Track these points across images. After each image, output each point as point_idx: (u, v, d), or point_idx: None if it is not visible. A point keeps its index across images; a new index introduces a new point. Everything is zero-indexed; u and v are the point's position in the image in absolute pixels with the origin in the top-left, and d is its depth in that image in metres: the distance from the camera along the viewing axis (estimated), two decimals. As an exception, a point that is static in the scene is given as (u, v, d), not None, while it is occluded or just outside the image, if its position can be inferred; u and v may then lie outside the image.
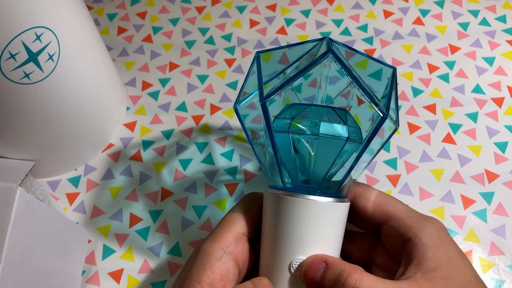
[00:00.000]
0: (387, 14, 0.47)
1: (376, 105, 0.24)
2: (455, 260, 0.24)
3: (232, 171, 0.38)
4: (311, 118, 0.27)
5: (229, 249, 0.25)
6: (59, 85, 0.32)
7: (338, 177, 0.27)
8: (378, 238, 0.28)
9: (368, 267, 0.29)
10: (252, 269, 0.28)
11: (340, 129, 0.26)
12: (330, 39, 0.27)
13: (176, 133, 0.41)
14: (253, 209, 0.27)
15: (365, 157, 0.26)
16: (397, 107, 0.26)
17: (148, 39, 0.47)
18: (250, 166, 0.38)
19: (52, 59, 0.30)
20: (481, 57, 0.43)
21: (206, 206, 0.37)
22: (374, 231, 0.28)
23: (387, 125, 0.25)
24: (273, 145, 0.25)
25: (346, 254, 0.29)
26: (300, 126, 0.26)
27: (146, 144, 0.40)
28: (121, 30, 0.48)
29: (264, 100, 0.24)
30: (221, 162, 0.39)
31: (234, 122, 0.41)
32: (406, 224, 0.25)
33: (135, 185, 0.38)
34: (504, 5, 0.46)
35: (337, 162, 0.27)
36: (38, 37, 0.29)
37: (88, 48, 0.34)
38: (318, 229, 0.25)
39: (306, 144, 0.27)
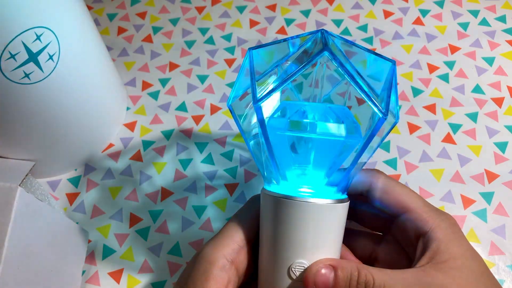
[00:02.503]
0: (387, 14, 0.47)
1: (375, 105, 0.23)
2: (469, 252, 0.24)
3: (232, 171, 0.38)
4: (308, 117, 0.26)
5: (231, 257, 0.25)
6: (59, 85, 0.32)
7: (336, 176, 0.27)
8: (385, 233, 0.28)
9: (372, 264, 0.29)
10: (251, 276, 0.28)
11: (338, 128, 0.25)
12: (325, 31, 0.25)
13: (176, 133, 0.41)
14: (257, 213, 0.27)
15: (364, 155, 0.26)
16: (397, 100, 0.26)
17: (148, 39, 0.47)
18: (250, 166, 0.38)
19: (52, 59, 0.30)
20: (481, 57, 0.43)
21: (206, 206, 0.37)
22: (380, 226, 0.28)
23: (388, 120, 0.25)
24: (268, 147, 0.24)
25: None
26: (298, 125, 0.26)
27: (146, 144, 0.40)
28: (121, 30, 0.48)
29: (257, 103, 0.23)
30: (221, 162, 0.39)
31: (234, 122, 0.41)
32: (423, 218, 0.25)
33: (135, 185, 0.38)
34: (504, 5, 0.46)
35: (335, 161, 0.26)
36: (38, 37, 0.29)
37: (88, 48, 0.34)
38: (317, 231, 0.25)
39: (303, 144, 0.26)
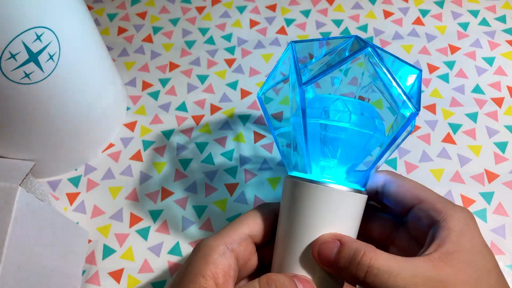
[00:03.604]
0: (387, 14, 0.47)
1: (410, 100, 0.24)
2: (478, 247, 0.24)
3: (232, 171, 0.38)
4: (341, 110, 0.27)
5: (232, 246, 0.26)
6: (59, 85, 0.32)
7: (358, 171, 0.27)
8: (402, 222, 0.29)
9: (386, 247, 0.29)
10: (255, 274, 0.28)
11: (368, 123, 0.27)
12: (359, 37, 0.27)
13: (176, 133, 0.41)
14: (264, 214, 0.28)
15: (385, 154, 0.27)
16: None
17: (148, 39, 0.47)
18: (250, 166, 0.39)
19: (52, 59, 0.30)
20: (481, 57, 0.43)
21: (206, 206, 0.37)
22: (398, 216, 0.29)
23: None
24: (305, 133, 0.25)
25: (366, 231, 0.29)
26: (330, 116, 0.27)
27: (146, 144, 0.40)
28: (121, 30, 0.48)
29: (301, 87, 0.24)
30: (221, 162, 0.39)
31: (234, 122, 0.41)
32: (436, 208, 0.25)
33: (135, 185, 0.38)
34: (504, 5, 0.46)
35: (359, 156, 0.27)
36: (38, 37, 0.29)
37: (88, 48, 0.34)
38: (338, 217, 0.25)
39: (332, 136, 0.27)
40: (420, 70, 0.28)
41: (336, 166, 0.28)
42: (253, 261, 0.28)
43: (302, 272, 0.25)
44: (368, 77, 0.29)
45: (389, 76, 0.25)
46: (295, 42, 0.28)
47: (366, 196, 0.27)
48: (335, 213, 0.25)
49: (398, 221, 0.29)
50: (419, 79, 0.27)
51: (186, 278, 0.24)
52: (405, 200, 0.27)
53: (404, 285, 0.22)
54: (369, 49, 0.25)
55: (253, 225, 0.27)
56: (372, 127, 0.27)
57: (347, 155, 0.27)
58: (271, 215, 0.28)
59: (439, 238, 0.24)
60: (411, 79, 0.27)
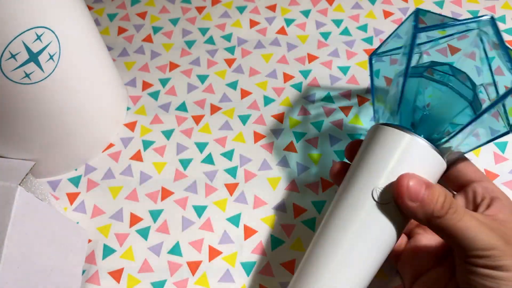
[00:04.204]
0: (386, 14, 0.47)
1: None
2: None
3: (232, 171, 0.38)
4: (444, 73, 0.29)
5: None
6: (59, 85, 0.32)
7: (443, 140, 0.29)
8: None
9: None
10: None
11: (468, 93, 0.29)
12: (493, 19, 0.29)
13: (176, 133, 0.41)
14: None
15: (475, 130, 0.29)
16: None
17: (148, 39, 0.47)
18: (250, 166, 0.39)
19: (52, 59, 0.30)
20: (480, 58, 0.43)
21: (206, 206, 0.37)
22: (450, 189, 0.32)
23: None
24: (405, 78, 0.27)
25: None
26: (433, 75, 0.29)
27: (146, 144, 0.40)
28: (121, 30, 0.48)
29: (417, 31, 0.27)
30: (221, 162, 0.39)
31: (234, 122, 0.41)
32: (493, 189, 0.29)
33: (135, 185, 0.38)
34: (504, 5, 0.46)
35: (451, 119, 0.29)
36: (38, 37, 0.29)
37: (89, 48, 0.34)
38: (414, 167, 0.27)
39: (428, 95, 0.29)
40: None
41: (425, 123, 0.29)
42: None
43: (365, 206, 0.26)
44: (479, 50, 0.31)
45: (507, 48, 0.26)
46: (421, 9, 0.30)
47: (445, 163, 0.28)
48: (415, 165, 0.27)
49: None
50: None
51: None
52: (469, 175, 0.30)
53: (476, 226, 0.25)
54: (488, 20, 0.27)
55: None
56: (470, 97, 0.28)
57: (436, 115, 0.29)
58: None
59: (495, 208, 0.27)
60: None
